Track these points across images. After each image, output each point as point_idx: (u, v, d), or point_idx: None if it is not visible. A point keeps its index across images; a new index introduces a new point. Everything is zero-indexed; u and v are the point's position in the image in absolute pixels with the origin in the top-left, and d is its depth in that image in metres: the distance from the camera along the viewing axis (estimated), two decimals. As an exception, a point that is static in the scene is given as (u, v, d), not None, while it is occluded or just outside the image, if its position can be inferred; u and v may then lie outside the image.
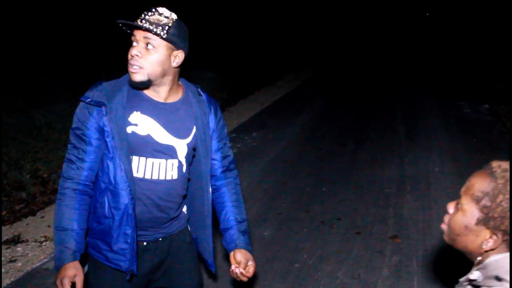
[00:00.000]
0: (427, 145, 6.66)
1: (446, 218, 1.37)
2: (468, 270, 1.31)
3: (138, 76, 1.83)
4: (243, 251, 2.04)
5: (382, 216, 4.50)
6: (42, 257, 3.88)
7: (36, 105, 8.31)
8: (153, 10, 1.82)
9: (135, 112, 1.90)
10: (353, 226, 4.33)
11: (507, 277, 1.18)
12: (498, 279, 1.19)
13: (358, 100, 10.16)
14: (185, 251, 2.16)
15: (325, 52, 18.72)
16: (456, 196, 1.37)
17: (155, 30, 1.79)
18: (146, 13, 1.82)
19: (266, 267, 3.67)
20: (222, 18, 17.88)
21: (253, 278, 3.49)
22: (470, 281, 1.27)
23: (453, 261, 3.62)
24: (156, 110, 1.92)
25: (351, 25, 25.77)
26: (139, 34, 1.82)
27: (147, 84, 1.88)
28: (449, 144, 6.66)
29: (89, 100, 1.86)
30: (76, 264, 1.86)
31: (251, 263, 2.02)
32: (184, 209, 2.16)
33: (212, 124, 2.06)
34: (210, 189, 2.09)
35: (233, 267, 2.00)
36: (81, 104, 1.91)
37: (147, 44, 1.82)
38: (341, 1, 26.17)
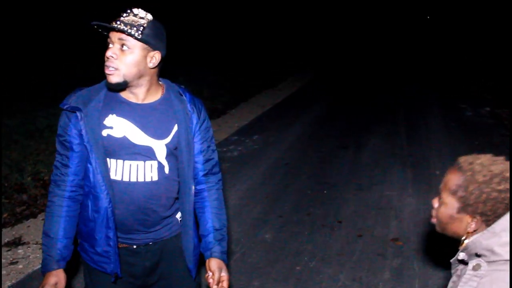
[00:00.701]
0: (429, 148, 6.65)
1: (434, 212, 1.59)
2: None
3: (114, 78, 1.83)
4: (217, 260, 2.04)
5: (383, 219, 4.49)
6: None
7: (38, 107, 8.33)
8: (128, 11, 1.82)
9: (110, 115, 1.90)
10: (354, 228, 4.33)
11: (484, 252, 1.38)
12: (477, 255, 1.41)
13: (360, 103, 10.16)
14: (179, 256, 2.13)
15: (327, 54, 18.73)
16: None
17: (129, 31, 1.78)
18: (121, 14, 1.82)
19: (268, 269, 3.66)
20: (224, 21, 17.90)
21: (255, 281, 3.49)
22: (459, 261, 1.51)
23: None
24: (132, 111, 1.92)
25: (353, 27, 25.78)
26: (114, 36, 1.82)
27: (123, 86, 1.87)
28: (451, 147, 6.65)
29: (66, 106, 1.88)
30: (59, 272, 1.92)
31: (224, 274, 2.01)
32: (178, 215, 2.12)
33: (194, 124, 2.03)
34: (193, 190, 2.06)
35: (207, 276, 2.02)
36: (62, 111, 1.93)
37: (122, 45, 1.81)
38: (343, 4, 26.19)
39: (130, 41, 1.81)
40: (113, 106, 1.91)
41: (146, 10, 1.86)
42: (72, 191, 1.94)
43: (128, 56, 1.82)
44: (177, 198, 2.08)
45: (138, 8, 1.85)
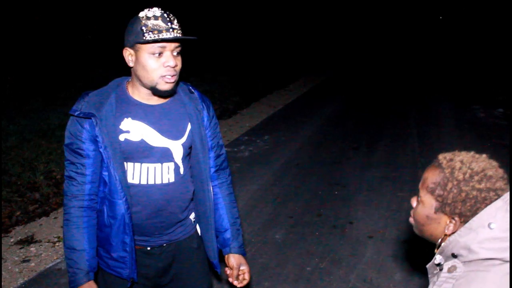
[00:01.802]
0: (441, 148, 6.54)
1: (412, 212, 1.53)
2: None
3: (174, 84, 1.84)
4: (236, 256, 2.10)
5: (394, 220, 4.47)
6: (55, 257, 3.91)
7: (50, 106, 8.40)
8: (169, 16, 1.78)
9: (125, 119, 1.87)
10: (365, 230, 4.31)
11: (461, 251, 1.31)
12: (454, 255, 1.33)
13: (371, 104, 10.12)
14: (193, 256, 2.14)
15: (338, 56, 18.68)
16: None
17: (190, 37, 1.79)
18: (169, 19, 1.77)
19: (278, 270, 3.66)
20: (235, 21, 17.92)
21: (265, 282, 3.49)
22: (436, 265, 1.42)
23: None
24: (147, 113, 1.90)
25: (364, 29, 25.69)
26: (172, 44, 1.78)
27: (176, 89, 1.91)
28: (463, 148, 6.55)
29: (77, 113, 1.83)
30: (91, 284, 1.88)
31: (243, 268, 2.08)
32: (192, 216, 2.12)
33: (205, 121, 2.03)
34: (211, 188, 2.06)
35: (227, 271, 2.09)
36: (71, 118, 1.88)
37: (175, 52, 1.81)
38: (355, 5, 26.11)
39: (180, 46, 1.82)
40: (126, 109, 1.89)
41: (164, 15, 1.83)
42: (90, 199, 1.90)
43: (180, 60, 1.84)
44: (191, 199, 2.08)
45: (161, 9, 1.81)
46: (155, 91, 1.85)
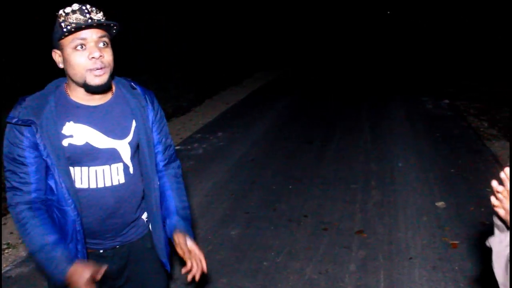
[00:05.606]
0: (392, 141, 6.76)
1: None
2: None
3: (104, 77, 1.74)
4: (181, 233, 1.94)
5: (348, 212, 4.54)
6: (4, 265, 3.78)
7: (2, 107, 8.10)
8: (88, 7, 1.71)
9: (67, 123, 1.78)
10: (320, 222, 4.36)
11: None
12: None
13: (323, 99, 10.26)
14: (147, 256, 2.09)
15: (290, 52, 18.82)
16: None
17: (113, 24, 1.72)
18: (88, 11, 1.70)
19: (235, 266, 3.66)
20: (190, 18, 17.76)
21: (223, 278, 3.48)
22: None
23: (417, 254, 3.69)
24: (89, 115, 1.82)
25: (316, 26, 25.96)
26: (93, 34, 1.71)
27: (110, 84, 1.81)
28: (413, 140, 6.78)
29: (15, 120, 1.73)
30: (76, 265, 1.77)
31: (191, 246, 1.92)
32: (144, 215, 2.07)
33: (151, 116, 1.97)
34: (157, 184, 2.01)
35: (188, 266, 1.90)
36: (9, 125, 1.77)
37: (101, 42, 1.73)
38: (307, 2, 26.33)
39: (107, 36, 1.75)
40: (67, 112, 1.80)
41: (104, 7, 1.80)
42: (39, 206, 1.81)
43: (109, 52, 1.76)
44: (143, 198, 2.03)
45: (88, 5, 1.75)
46: (88, 88, 1.76)
